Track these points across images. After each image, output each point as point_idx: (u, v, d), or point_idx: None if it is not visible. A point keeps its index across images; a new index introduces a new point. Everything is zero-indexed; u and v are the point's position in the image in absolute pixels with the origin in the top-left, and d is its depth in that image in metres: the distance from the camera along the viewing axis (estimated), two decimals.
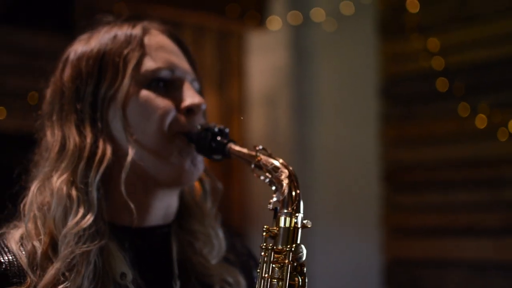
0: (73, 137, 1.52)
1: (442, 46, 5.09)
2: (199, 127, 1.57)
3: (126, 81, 1.54)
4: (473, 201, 4.91)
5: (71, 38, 1.64)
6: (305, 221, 1.37)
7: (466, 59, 4.99)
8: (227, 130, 1.56)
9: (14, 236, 1.49)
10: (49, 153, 1.54)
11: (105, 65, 1.55)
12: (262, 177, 1.47)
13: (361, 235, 5.47)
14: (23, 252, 1.45)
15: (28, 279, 1.42)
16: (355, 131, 5.62)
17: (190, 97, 1.61)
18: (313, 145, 5.87)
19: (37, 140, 1.60)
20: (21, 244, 1.46)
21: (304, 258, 1.34)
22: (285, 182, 1.38)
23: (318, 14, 5.76)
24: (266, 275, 1.34)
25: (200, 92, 1.71)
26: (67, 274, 1.40)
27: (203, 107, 1.63)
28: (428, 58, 5.12)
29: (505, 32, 4.86)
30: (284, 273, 1.33)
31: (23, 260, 1.44)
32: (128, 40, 1.59)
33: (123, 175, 1.50)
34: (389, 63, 5.42)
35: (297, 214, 1.37)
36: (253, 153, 1.48)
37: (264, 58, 6.01)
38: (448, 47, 5.07)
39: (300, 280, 1.34)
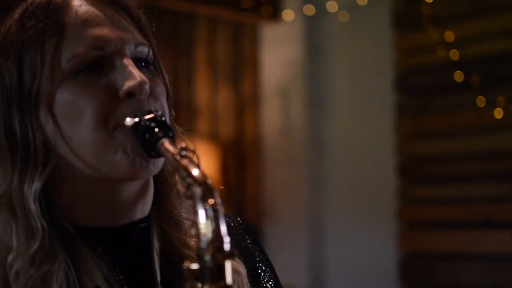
0: (4, 152, 1.28)
1: (458, 37, 5.03)
2: (135, 115, 1.25)
3: (45, 78, 1.25)
4: (491, 194, 4.85)
5: None
6: (228, 251, 1.06)
7: (483, 50, 4.93)
8: (162, 118, 1.23)
9: None
10: None
11: (24, 57, 1.27)
12: (181, 190, 1.16)
13: (377, 228, 5.43)
14: None
15: None
16: (370, 124, 5.57)
17: (128, 78, 1.25)
18: (328, 137, 5.83)
19: None
20: None
21: None
22: (197, 206, 1.07)
23: (332, 5, 5.70)
24: None
25: (153, 56, 1.35)
26: None
27: (145, 87, 1.25)
28: (444, 49, 5.06)
29: None
30: None
31: None
32: (44, 22, 1.27)
33: (67, 190, 1.29)
34: (405, 54, 5.36)
35: (217, 247, 1.06)
36: (175, 154, 1.15)
37: (278, 50, 5.97)
38: (464, 39, 5.01)
39: None
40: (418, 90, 5.29)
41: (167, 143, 1.18)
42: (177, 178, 1.31)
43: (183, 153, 1.14)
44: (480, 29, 4.96)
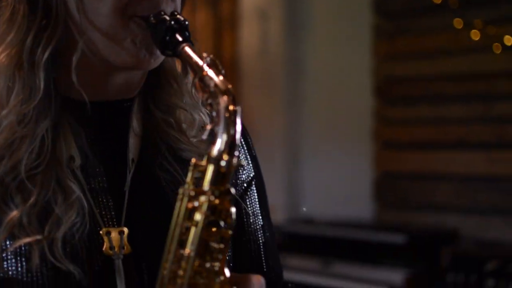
0: (23, 5, 1.32)
1: None
2: (160, 12, 1.31)
3: None
4: (465, 115, 4.90)
5: None
6: (235, 162, 1.13)
7: None
8: (186, 23, 1.31)
9: None
10: None
11: None
12: (202, 96, 1.23)
13: (353, 149, 5.48)
14: None
15: None
16: (347, 45, 5.57)
17: None
18: (305, 59, 5.83)
19: None
20: None
21: (232, 214, 1.13)
22: (222, 115, 1.14)
23: None
24: (180, 219, 1.14)
25: None
26: (5, 152, 1.29)
27: None
28: None
29: None
30: (202, 218, 1.10)
31: None
32: None
33: (74, 60, 1.33)
34: None
35: (228, 156, 1.13)
36: (201, 64, 1.22)
37: None
38: None
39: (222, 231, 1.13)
40: (395, 12, 5.28)
41: (188, 48, 1.26)
42: (191, 79, 1.41)
43: (209, 61, 1.21)
44: None
